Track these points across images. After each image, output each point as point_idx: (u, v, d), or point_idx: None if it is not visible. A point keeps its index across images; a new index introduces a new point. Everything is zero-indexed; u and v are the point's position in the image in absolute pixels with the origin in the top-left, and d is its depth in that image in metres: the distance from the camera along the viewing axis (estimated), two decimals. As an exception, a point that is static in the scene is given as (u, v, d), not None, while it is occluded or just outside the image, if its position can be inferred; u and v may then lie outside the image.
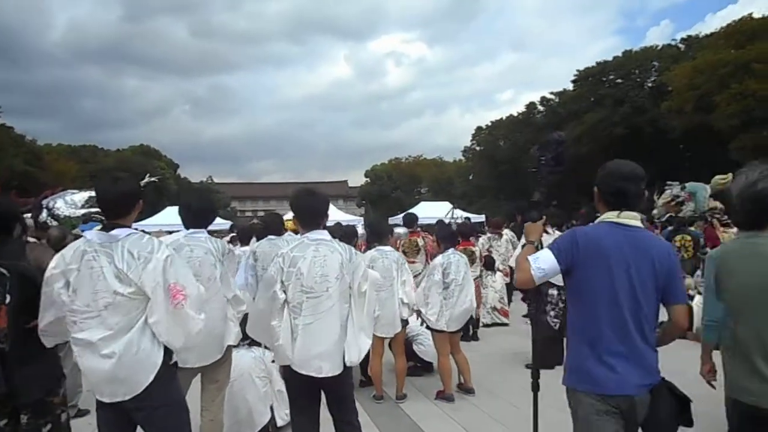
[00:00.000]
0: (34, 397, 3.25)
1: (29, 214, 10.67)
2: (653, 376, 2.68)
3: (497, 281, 10.22)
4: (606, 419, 2.64)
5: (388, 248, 6.01)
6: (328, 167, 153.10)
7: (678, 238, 11.05)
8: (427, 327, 6.02)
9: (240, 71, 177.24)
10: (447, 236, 6.30)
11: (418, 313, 6.48)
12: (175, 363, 3.12)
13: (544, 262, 2.74)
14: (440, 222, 10.62)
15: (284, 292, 3.46)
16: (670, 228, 13.15)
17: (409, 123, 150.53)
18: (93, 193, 14.79)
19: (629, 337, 2.64)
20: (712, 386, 3.29)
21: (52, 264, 2.93)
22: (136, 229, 3.08)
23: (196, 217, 3.96)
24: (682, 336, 2.93)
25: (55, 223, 12.36)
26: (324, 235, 3.64)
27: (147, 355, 2.83)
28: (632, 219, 2.73)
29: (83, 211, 14.39)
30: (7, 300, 3.16)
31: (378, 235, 6.16)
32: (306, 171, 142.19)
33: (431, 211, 21.66)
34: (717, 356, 3.11)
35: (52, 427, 3.36)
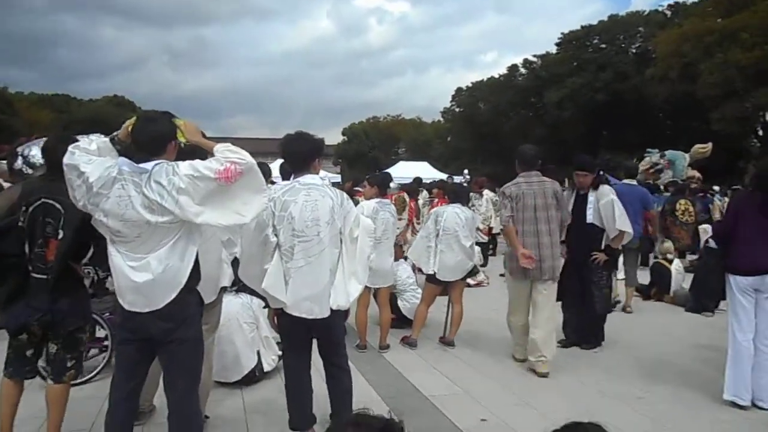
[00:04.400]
0: (69, 329, 3.34)
1: (4, 161, 10.41)
2: None
3: (479, 240, 10.28)
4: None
5: (388, 201, 6.22)
6: (306, 124, 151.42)
7: (682, 202, 11.36)
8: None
9: (220, 24, 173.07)
10: (455, 192, 6.62)
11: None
12: (201, 303, 3.16)
13: None
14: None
15: (276, 235, 3.48)
16: (668, 194, 13.45)
17: (389, 82, 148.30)
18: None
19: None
20: None
21: None
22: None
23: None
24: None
25: (30, 170, 12.11)
26: (315, 179, 3.64)
27: (173, 274, 2.81)
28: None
29: (59, 159, 14.09)
30: (60, 236, 3.21)
31: (385, 187, 6.42)
32: (282, 127, 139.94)
33: (409, 171, 21.90)
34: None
35: (75, 362, 3.44)
